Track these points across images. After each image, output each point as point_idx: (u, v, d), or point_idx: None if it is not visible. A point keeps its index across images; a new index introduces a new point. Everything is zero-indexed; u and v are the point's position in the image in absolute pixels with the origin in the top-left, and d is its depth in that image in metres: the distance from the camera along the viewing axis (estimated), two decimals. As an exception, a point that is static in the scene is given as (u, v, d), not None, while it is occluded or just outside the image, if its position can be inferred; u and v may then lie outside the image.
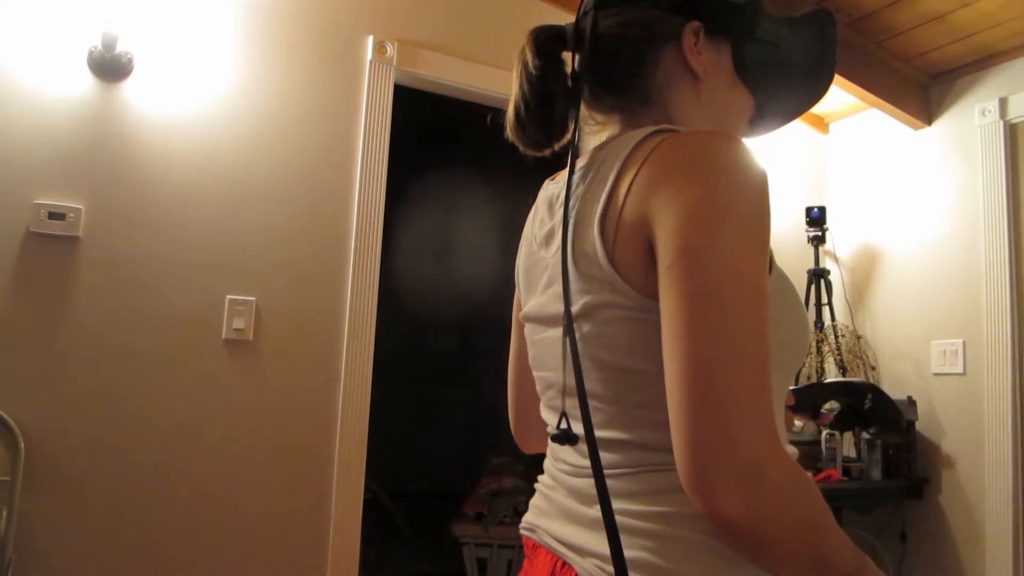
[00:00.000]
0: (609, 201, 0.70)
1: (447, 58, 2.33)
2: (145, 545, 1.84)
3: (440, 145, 4.69)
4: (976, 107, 2.59)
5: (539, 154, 0.85)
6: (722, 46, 0.82)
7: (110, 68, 1.86)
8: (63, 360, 1.80)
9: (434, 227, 5.22)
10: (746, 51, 0.82)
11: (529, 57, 0.81)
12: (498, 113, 0.87)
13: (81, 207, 1.83)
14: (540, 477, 0.87)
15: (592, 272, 0.70)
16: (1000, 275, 2.46)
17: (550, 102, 0.80)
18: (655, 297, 0.64)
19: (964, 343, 2.56)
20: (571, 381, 0.72)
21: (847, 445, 2.74)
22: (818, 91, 0.89)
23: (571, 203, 0.74)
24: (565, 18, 2.81)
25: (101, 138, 1.87)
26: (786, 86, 0.87)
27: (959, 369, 2.56)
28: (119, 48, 1.86)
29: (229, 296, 1.98)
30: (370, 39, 2.22)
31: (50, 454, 1.76)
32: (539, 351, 0.83)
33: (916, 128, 2.78)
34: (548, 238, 0.82)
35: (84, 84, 1.85)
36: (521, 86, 0.82)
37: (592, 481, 0.67)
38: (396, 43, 2.24)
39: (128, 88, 1.90)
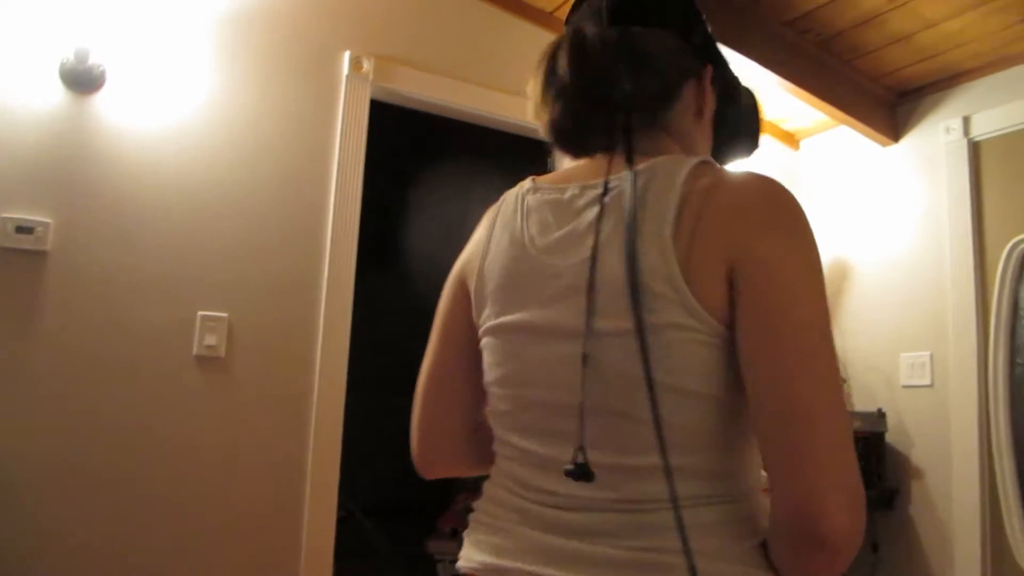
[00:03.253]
0: (678, 222, 0.69)
1: (424, 74, 2.34)
2: (114, 564, 1.80)
3: (425, 160, 4.69)
4: (941, 125, 2.65)
5: (583, 158, 0.83)
6: (713, 94, 0.87)
7: (82, 80, 1.84)
8: (29, 377, 1.76)
9: (415, 241, 5.21)
10: (727, 105, 0.89)
11: (594, 53, 0.79)
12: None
13: (50, 221, 1.80)
14: (485, 507, 0.80)
15: (660, 290, 0.68)
16: (965, 289, 2.51)
17: (609, 105, 0.79)
18: (725, 323, 0.68)
19: (931, 355, 2.60)
20: (601, 403, 0.70)
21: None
22: (747, 154, 0.97)
23: (628, 215, 0.71)
24: (544, 36, 2.84)
25: (72, 151, 1.84)
26: (731, 144, 0.94)
27: (927, 381, 2.60)
28: (92, 60, 1.84)
29: (201, 312, 1.96)
30: (347, 54, 2.22)
31: (16, 472, 1.72)
32: (534, 367, 0.76)
33: (884, 145, 2.83)
34: (563, 245, 0.76)
35: (55, 96, 1.83)
36: (582, 86, 0.79)
37: (602, 516, 0.68)
38: (373, 59, 2.25)
39: (100, 100, 1.88)
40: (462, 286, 0.86)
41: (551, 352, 0.74)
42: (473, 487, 3.44)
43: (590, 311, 0.70)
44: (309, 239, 2.12)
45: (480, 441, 0.88)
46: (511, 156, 2.51)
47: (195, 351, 1.94)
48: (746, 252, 0.68)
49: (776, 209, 0.71)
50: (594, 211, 0.75)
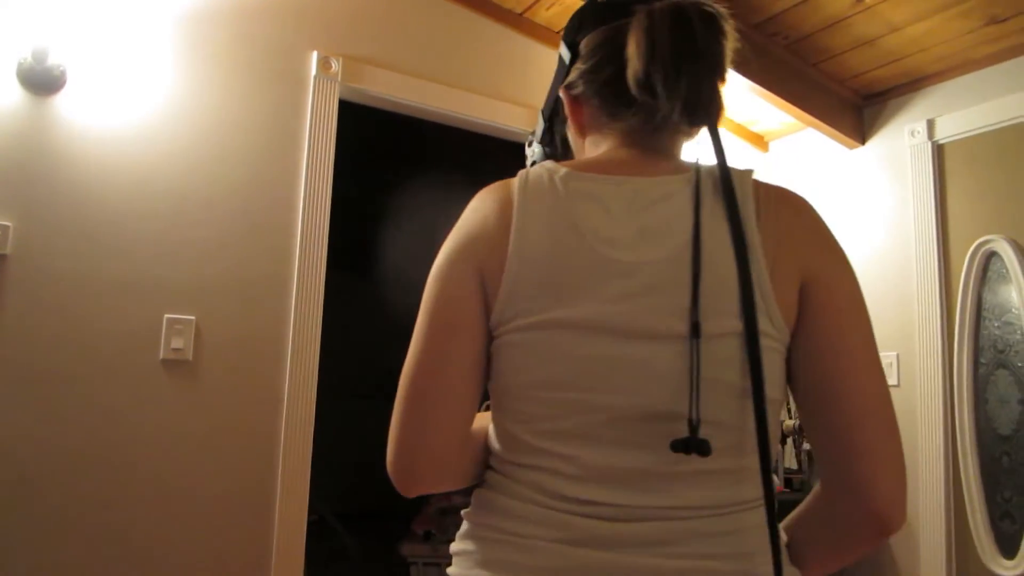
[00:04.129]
0: (760, 231, 0.72)
1: (394, 74, 2.33)
2: (80, 571, 1.76)
3: (396, 161, 4.66)
4: (906, 128, 2.69)
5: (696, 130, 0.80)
6: None
7: (41, 81, 1.80)
8: (-12, 383, 1.72)
9: (386, 243, 5.18)
10: None
11: (725, 35, 0.75)
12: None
13: (9, 224, 1.76)
14: (492, 521, 0.73)
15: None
16: (930, 290, 2.55)
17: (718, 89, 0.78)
18: (791, 332, 0.73)
19: (898, 356, 2.64)
20: (718, 417, 0.68)
21: (788, 457, 2.79)
22: None
23: (730, 213, 0.71)
24: (514, 37, 2.83)
25: (31, 153, 1.80)
26: None
27: (894, 381, 2.64)
28: (51, 60, 1.80)
29: (167, 315, 1.92)
30: (314, 54, 2.20)
31: (-27, 482, 1.68)
32: (590, 368, 0.70)
33: (851, 147, 2.87)
34: (635, 240, 0.72)
35: (12, 97, 1.79)
36: (720, 59, 0.75)
37: (661, 525, 0.67)
38: (341, 59, 2.23)
39: (61, 101, 1.84)
40: (475, 275, 0.74)
41: (618, 353, 0.69)
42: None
43: (694, 313, 0.68)
44: (278, 240, 2.10)
45: (471, 453, 0.79)
46: (479, 156, 2.51)
47: (162, 354, 1.91)
48: (820, 270, 0.74)
49: (828, 229, 0.78)
50: (676, 206, 0.72)
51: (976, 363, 2.45)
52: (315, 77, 2.19)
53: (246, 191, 2.07)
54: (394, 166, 4.73)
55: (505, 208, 0.74)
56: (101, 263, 1.86)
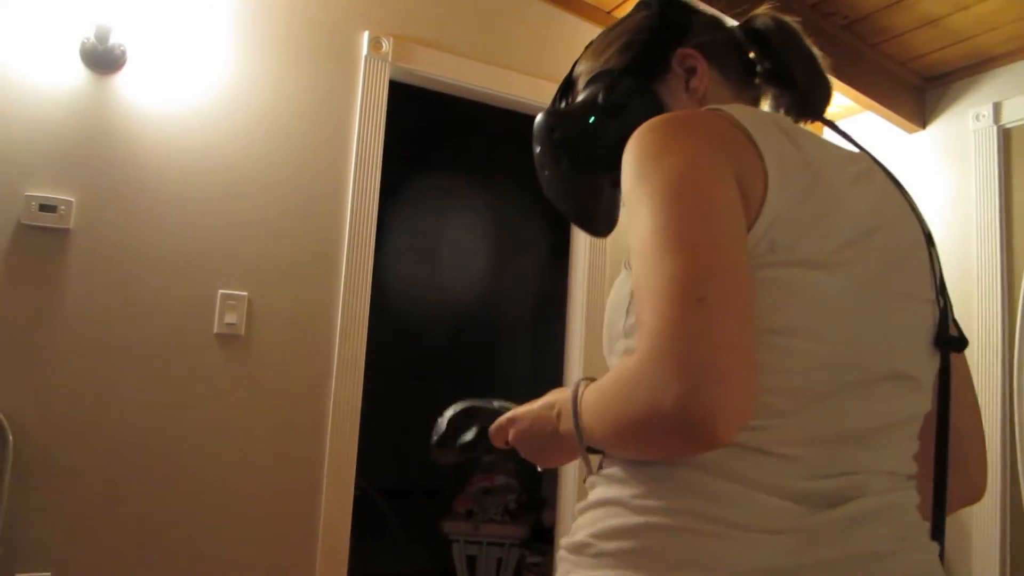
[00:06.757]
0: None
1: (443, 55, 2.33)
2: (134, 539, 1.83)
3: (437, 142, 4.68)
4: (970, 111, 2.59)
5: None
6: None
7: (103, 60, 1.85)
8: (52, 353, 1.79)
9: (428, 224, 5.21)
10: None
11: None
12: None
13: (72, 199, 1.82)
14: (687, 503, 0.58)
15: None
16: (992, 280, 2.47)
17: None
18: None
19: (955, 346, 2.56)
20: (903, 367, 0.67)
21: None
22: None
23: (901, 189, 0.77)
24: (563, 17, 2.80)
25: (93, 131, 1.86)
26: None
27: (949, 372, 2.56)
28: (112, 40, 1.85)
29: (221, 291, 1.97)
30: (365, 35, 2.21)
31: (39, 448, 1.76)
32: (865, 321, 0.64)
33: (911, 131, 2.78)
34: (861, 201, 0.68)
35: (76, 76, 1.84)
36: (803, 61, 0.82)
37: (909, 494, 0.68)
38: (392, 39, 2.24)
39: (121, 81, 1.89)
40: (736, 184, 0.60)
41: (868, 308, 0.64)
42: (488, 470, 3.45)
43: (938, 281, 0.77)
44: (328, 219, 2.13)
45: None
46: (525, 136, 2.49)
47: (216, 329, 1.96)
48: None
49: None
50: (878, 181, 0.73)
51: (1038, 356, 2.36)
52: (366, 57, 2.20)
53: (298, 171, 2.10)
54: (440, 145, 4.74)
55: (745, 132, 0.63)
56: (158, 239, 1.91)
